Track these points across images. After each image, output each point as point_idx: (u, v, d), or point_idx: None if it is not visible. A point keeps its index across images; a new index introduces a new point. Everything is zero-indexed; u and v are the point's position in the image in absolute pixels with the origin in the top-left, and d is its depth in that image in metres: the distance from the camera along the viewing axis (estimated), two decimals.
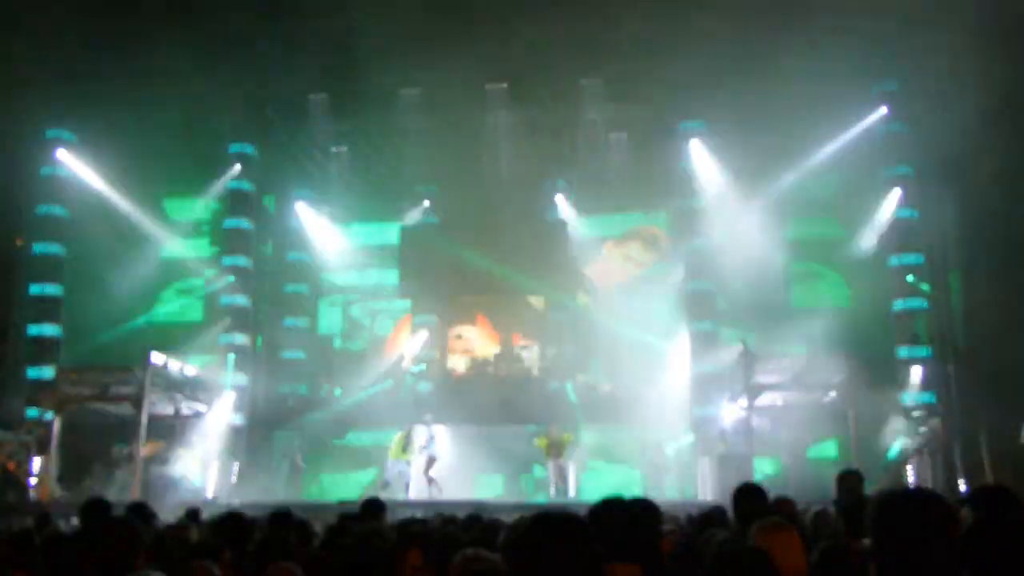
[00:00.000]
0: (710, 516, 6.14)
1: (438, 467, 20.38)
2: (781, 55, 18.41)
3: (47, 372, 21.33)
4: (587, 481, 22.13)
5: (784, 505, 5.84)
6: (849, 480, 6.29)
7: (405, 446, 19.84)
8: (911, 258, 21.49)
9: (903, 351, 20.96)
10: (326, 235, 25.87)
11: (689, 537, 5.65)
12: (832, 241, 24.06)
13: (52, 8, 19.09)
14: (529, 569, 2.49)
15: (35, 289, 22.91)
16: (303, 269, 25.93)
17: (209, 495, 20.14)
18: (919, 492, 3.08)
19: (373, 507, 6.34)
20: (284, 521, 5.38)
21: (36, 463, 19.69)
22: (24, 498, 18.80)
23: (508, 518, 9.63)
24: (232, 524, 5.36)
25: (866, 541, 3.23)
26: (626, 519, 3.29)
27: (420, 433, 20.17)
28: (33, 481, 19.44)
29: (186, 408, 21.23)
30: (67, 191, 23.34)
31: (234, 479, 21.41)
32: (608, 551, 2.92)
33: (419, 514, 10.83)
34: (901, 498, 2.88)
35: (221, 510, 12.95)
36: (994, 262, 19.56)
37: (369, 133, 24.04)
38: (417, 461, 20.06)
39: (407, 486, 19.70)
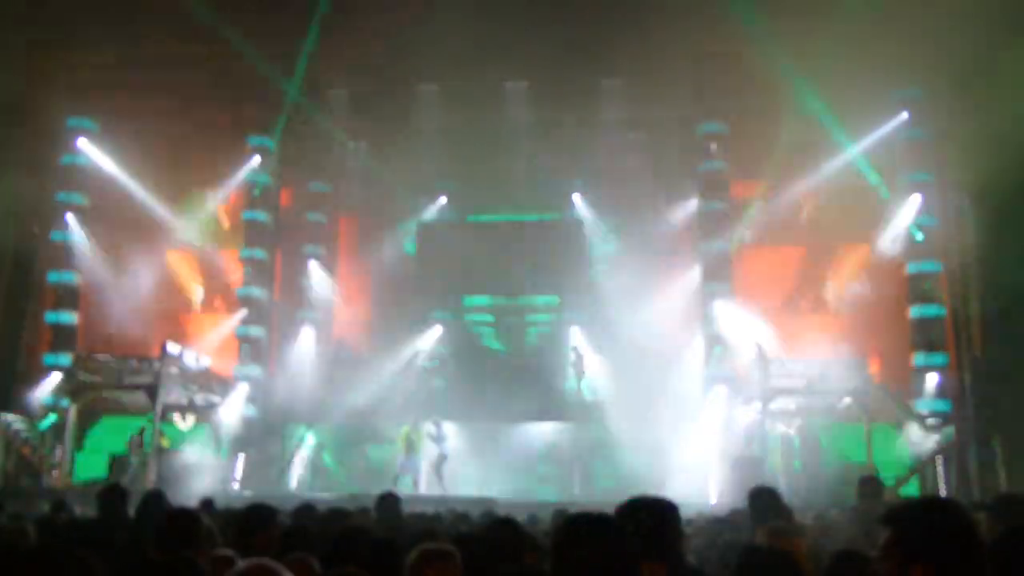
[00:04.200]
0: (731, 519, 6.13)
1: (449, 464, 20.40)
2: (802, 59, 18.34)
3: (64, 360, 21.47)
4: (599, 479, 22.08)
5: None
6: (869, 486, 6.26)
7: (410, 441, 19.88)
8: (929, 265, 21.34)
9: (920, 358, 20.83)
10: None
11: (711, 538, 5.63)
12: (851, 246, 23.97)
13: None
14: (568, 569, 2.48)
15: (53, 277, 23.07)
16: (318, 262, 25.96)
17: (221, 485, 20.23)
18: (936, 500, 3.04)
19: (388, 501, 6.34)
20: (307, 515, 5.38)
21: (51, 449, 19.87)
22: (39, 484, 18.95)
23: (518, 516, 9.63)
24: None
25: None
26: (653, 518, 3.28)
27: (429, 429, 20.20)
28: (48, 467, 19.59)
29: (200, 399, 21.33)
30: (87, 180, 23.51)
31: (241, 471, 21.51)
32: (635, 550, 2.91)
33: (430, 510, 10.82)
34: (918, 507, 2.84)
35: (233, 501, 13.02)
36: (1013, 270, 19.41)
37: (387, 129, 24.05)
38: (427, 456, 20.09)
39: (415, 482, 19.74)
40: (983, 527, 5.41)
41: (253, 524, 4.77)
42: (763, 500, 5.15)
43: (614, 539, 2.54)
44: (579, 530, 2.58)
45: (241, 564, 2.87)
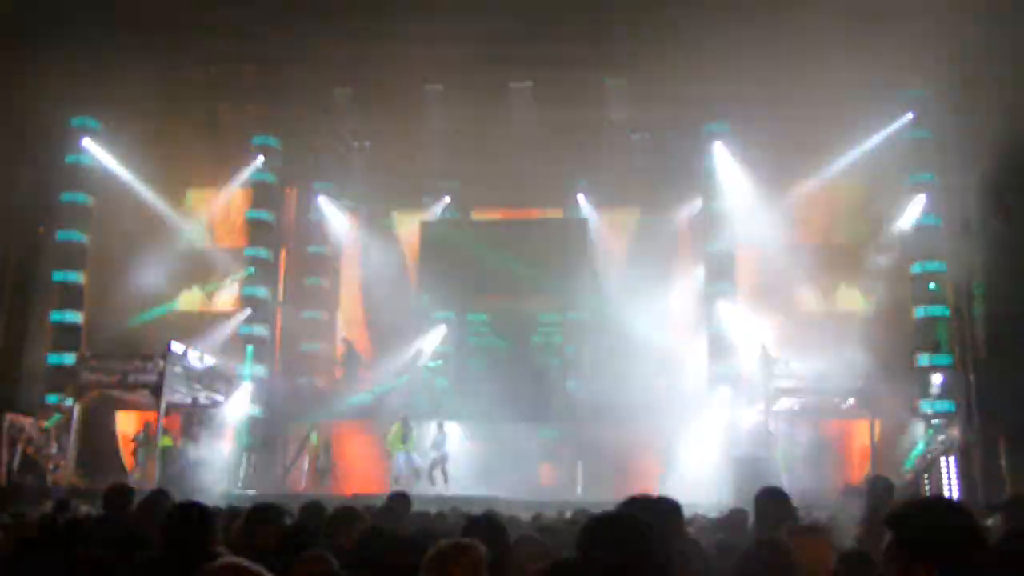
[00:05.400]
0: (731, 519, 6.12)
1: (450, 464, 20.42)
2: (808, 58, 18.31)
3: (68, 359, 21.49)
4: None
5: None
6: (879, 487, 6.24)
7: (404, 437, 19.88)
8: (934, 265, 21.31)
9: (924, 358, 20.80)
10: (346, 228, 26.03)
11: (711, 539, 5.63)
12: (855, 246, 23.93)
13: None
14: (596, 571, 2.47)
15: (58, 276, 23.09)
16: (323, 262, 26.03)
17: (225, 485, 20.25)
18: (940, 501, 3.03)
19: (400, 501, 6.36)
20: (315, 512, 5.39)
21: (55, 449, 19.88)
22: (43, 483, 18.98)
23: (524, 515, 9.64)
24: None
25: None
26: (654, 517, 3.28)
27: (431, 430, 20.19)
28: (52, 466, 19.62)
29: (204, 398, 21.36)
30: (91, 179, 23.52)
31: (251, 469, 21.55)
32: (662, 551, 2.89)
33: (432, 510, 10.81)
34: (921, 508, 2.84)
35: (237, 500, 13.03)
36: (1017, 270, 19.37)
37: (392, 128, 24.06)
38: (428, 456, 20.11)
39: (418, 473, 19.74)
40: (995, 528, 5.42)
41: (258, 523, 4.78)
42: (770, 501, 5.14)
43: (643, 541, 2.51)
44: (607, 532, 2.55)
45: (216, 562, 2.81)
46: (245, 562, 2.71)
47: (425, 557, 3.21)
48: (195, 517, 4.03)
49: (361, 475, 22.51)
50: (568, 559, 3.52)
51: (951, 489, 18.37)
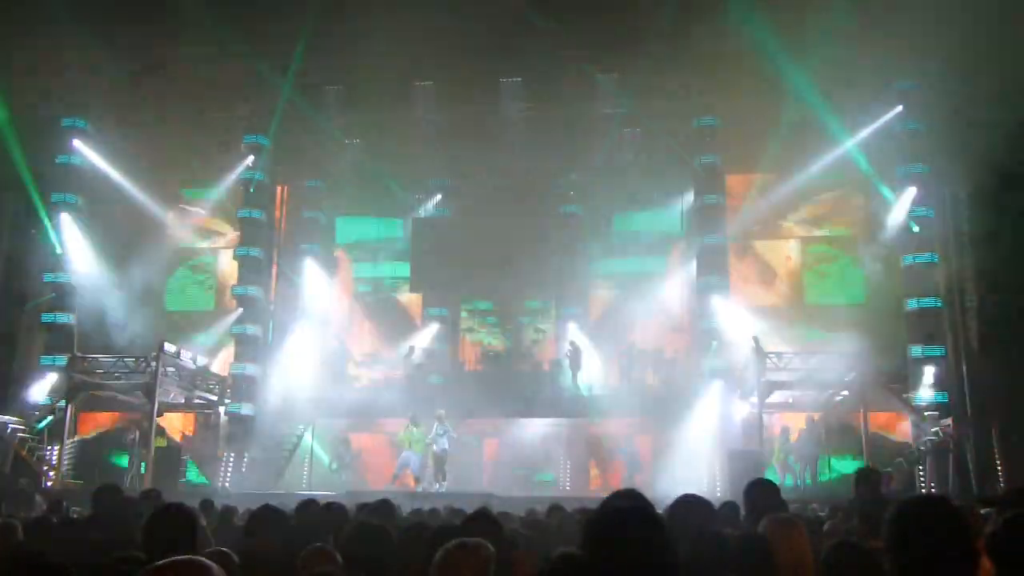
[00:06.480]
0: (723, 512, 6.11)
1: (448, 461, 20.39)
2: (798, 52, 18.33)
3: (60, 360, 21.40)
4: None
5: None
6: (869, 479, 6.25)
7: (410, 436, 19.86)
8: (926, 257, 21.32)
9: (917, 350, 20.80)
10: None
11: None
12: (847, 239, 23.98)
13: None
14: (608, 562, 2.42)
15: (49, 277, 23.00)
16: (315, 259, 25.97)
17: (218, 484, 20.23)
18: (935, 499, 3.04)
19: (386, 502, 6.39)
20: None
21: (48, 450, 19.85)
22: (36, 484, 18.91)
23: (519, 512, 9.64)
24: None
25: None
26: (690, 514, 3.27)
27: (434, 426, 20.15)
28: (45, 467, 19.58)
29: (197, 398, 21.32)
30: (82, 180, 23.44)
31: (239, 469, 21.50)
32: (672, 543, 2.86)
33: (427, 507, 10.83)
34: (918, 506, 2.84)
35: (231, 499, 13.00)
36: (1009, 261, 19.41)
37: (382, 125, 24.01)
38: (429, 452, 20.07)
39: (417, 477, 19.73)
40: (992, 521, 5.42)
41: (259, 523, 4.77)
42: (759, 493, 5.13)
43: (656, 532, 2.47)
44: (620, 522, 2.50)
45: (169, 559, 2.75)
46: (196, 559, 2.67)
47: (434, 559, 3.20)
48: (179, 518, 4.01)
49: (362, 473, 22.52)
50: (570, 554, 3.50)
51: (945, 481, 18.38)
